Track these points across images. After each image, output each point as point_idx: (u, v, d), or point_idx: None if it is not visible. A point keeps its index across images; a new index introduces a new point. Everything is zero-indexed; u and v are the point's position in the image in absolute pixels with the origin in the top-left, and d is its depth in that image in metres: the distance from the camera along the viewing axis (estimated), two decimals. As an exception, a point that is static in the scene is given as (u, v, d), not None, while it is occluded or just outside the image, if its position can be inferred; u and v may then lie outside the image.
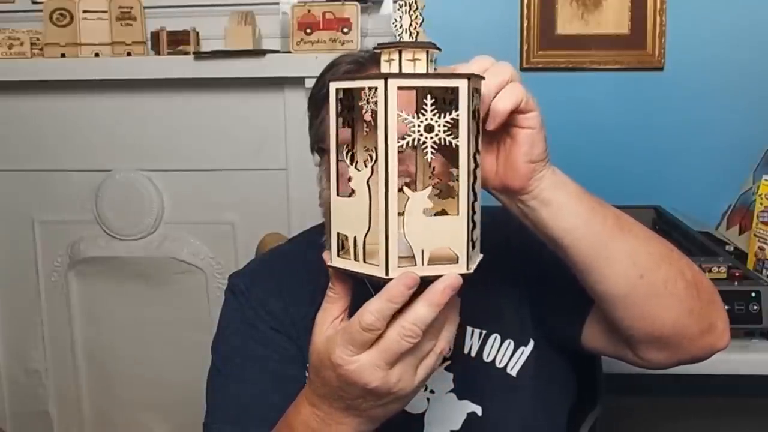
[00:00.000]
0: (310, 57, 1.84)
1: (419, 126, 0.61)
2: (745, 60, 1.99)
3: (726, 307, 1.35)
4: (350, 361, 0.63)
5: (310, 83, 1.68)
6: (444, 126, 0.61)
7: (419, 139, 0.61)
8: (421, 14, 0.64)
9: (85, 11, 1.96)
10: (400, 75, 0.61)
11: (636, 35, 2.00)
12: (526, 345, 0.99)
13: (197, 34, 1.99)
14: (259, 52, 1.90)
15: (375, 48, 0.65)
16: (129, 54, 1.97)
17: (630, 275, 0.78)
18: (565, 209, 0.75)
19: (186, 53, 1.94)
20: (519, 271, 1.00)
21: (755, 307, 1.39)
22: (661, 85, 2.02)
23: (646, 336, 0.83)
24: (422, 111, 0.61)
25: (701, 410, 1.60)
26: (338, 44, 1.87)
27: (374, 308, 0.61)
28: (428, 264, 0.62)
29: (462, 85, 0.60)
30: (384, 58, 0.64)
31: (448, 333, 0.66)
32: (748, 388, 1.50)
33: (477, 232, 0.66)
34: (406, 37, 0.64)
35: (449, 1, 2.03)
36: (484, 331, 0.99)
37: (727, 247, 1.76)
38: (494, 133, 0.73)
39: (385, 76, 0.59)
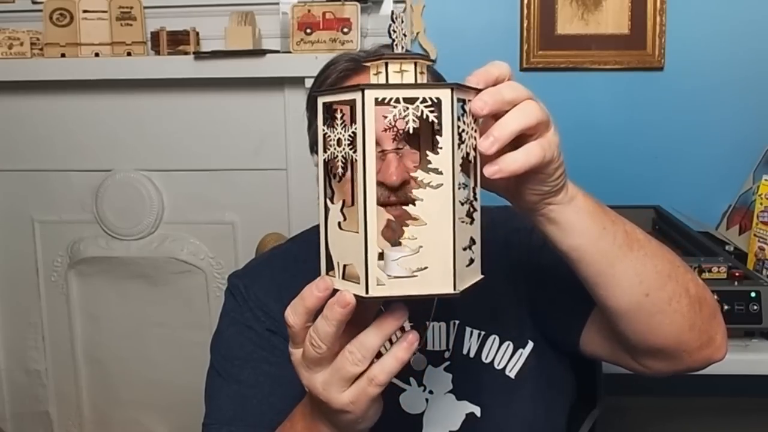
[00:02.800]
0: (310, 57, 1.84)
1: (333, 140, 0.61)
2: (745, 60, 1.99)
3: (726, 307, 1.36)
4: (291, 353, 0.69)
5: (310, 83, 1.68)
6: (347, 140, 0.60)
7: (333, 153, 0.61)
8: (400, 27, 0.63)
9: (85, 11, 1.96)
10: (323, 91, 0.63)
11: (636, 35, 1.99)
12: (524, 347, 0.99)
13: (197, 34, 1.99)
14: (259, 52, 1.90)
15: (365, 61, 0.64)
16: (129, 54, 1.97)
17: (636, 293, 0.78)
18: (573, 228, 0.73)
19: (186, 53, 1.94)
20: (518, 273, 1.00)
21: (755, 307, 1.39)
22: (661, 85, 2.02)
23: (647, 348, 0.84)
24: (334, 125, 0.61)
25: (701, 410, 1.60)
26: (338, 44, 1.87)
27: (291, 304, 0.65)
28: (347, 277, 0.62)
29: (357, 98, 0.57)
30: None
31: (384, 366, 0.63)
32: (748, 388, 1.50)
33: (416, 260, 0.59)
34: (398, 50, 0.63)
35: (449, 2, 2.03)
36: (482, 332, 0.99)
37: (727, 247, 1.76)
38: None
39: (317, 94, 0.63)
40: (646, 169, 2.05)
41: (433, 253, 0.59)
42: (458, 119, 0.59)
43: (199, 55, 1.92)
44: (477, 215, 0.65)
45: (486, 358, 0.98)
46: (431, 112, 0.58)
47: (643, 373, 0.90)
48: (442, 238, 0.59)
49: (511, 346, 0.98)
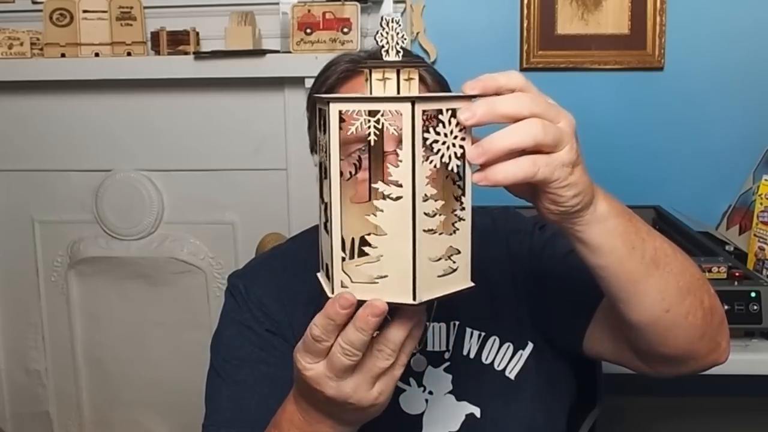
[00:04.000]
0: (310, 57, 1.84)
1: (322, 144, 0.64)
2: (745, 60, 1.99)
3: (726, 307, 1.36)
4: (308, 368, 0.67)
5: (310, 83, 1.67)
6: (324, 147, 0.62)
7: (322, 157, 0.64)
8: (396, 32, 0.63)
9: (85, 11, 1.96)
10: (318, 97, 0.65)
11: (636, 35, 1.99)
12: (524, 348, 0.99)
13: (197, 34, 1.99)
14: (259, 52, 1.90)
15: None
16: (129, 54, 1.97)
17: (657, 309, 0.77)
18: (600, 249, 0.72)
19: (186, 53, 1.94)
20: (519, 274, 1.00)
21: (755, 307, 1.39)
22: (661, 85, 2.02)
23: (659, 355, 0.84)
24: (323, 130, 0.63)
25: (701, 410, 1.60)
26: (338, 44, 1.87)
27: (317, 322, 0.64)
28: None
29: (325, 108, 0.60)
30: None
31: (404, 346, 0.66)
32: (748, 388, 1.50)
33: (377, 268, 0.61)
34: (392, 55, 0.63)
35: (450, 2, 2.03)
36: (483, 333, 0.99)
37: (727, 247, 1.76)
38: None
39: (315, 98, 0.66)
40: (646, 169, 2.05)
41: (393, 263, 0.60)
42: (429, 130, 0.59)
43: (199, 55, 1.92)
44: (464, 224, 0.64)
45: (486, 359, 0.98)
46: (391, 124, 0.59)
47: (648, 375, 0.90)
48: (401, 249, 0.60)
49: (511, 347, 0.98)
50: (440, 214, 0.62)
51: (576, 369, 1.07)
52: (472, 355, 0.98)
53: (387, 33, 0.63)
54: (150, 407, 2.22)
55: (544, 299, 0.97)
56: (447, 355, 0.98)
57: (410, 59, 0.64)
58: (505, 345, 0.98)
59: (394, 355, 0.65)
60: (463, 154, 0.62)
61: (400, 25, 0.63)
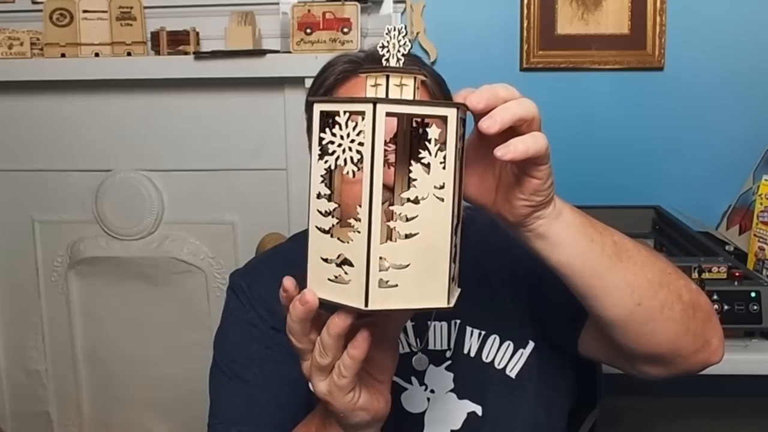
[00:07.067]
0: (310, 57, 1.84)
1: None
2: (745, 60, 1.99)
3: (726, 307, 1.36)
4: (301, 363, 0.70)
5: (310, 83, 1.68)
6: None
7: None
8: (396, 41, 0.64)
9: (85, 11, 1.96)
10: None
11: (636, 35, 2.00)
12: (525, 347, 0.99)
13: (197, 34, 1.99)
14: (259, 52, 1.90)
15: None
16: (129, 54, 1.97)
17: (627, 303, 0.78)
18: (561, 244, 0.74)
19: (186, 53, 1.94)
20: (519, 273, 1.00)
21: (755, 307, 1.39)
22: (661, 85, 2.02)
23: (642, 354, 0.84)
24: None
25: (701, 410, 1.60)
26: (338, 44, 1.87)
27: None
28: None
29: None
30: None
31: (346, 363, 0.65)
32: (748, 388, 1.50)
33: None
34: (392, 63, 0.64)
35: (450, 2, 2.04)
36: (483, 332, 0.99)
37: (727, 247, 1.76)
38: (500, 164, 0.72)
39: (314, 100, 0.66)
40: (646, 168, 2.05)
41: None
42: (324, 130, 0.60)
43: (199, 55, 1.92)
44: (358, 237, 0.59)
45: (486, 358, 0.98)
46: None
47: (641, 378, 0.90)
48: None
49: (512, 346, 0.99)
50: (334, 217, 0.62)
51: (576, 369, 1.07)
52: (472, 354, 0.98)
53: (391, 41, 0.63)
54: (150, 407, 2.22)
55: (544, 298, 0.97)
56: (448, 354, 0.98)
57: (409, 66, 0.64)
58: (506, 344, 0.98)
59: (327, 354, 0.65)
60: (360, 160, 0.59)
61: (403, 35, 0.63)
